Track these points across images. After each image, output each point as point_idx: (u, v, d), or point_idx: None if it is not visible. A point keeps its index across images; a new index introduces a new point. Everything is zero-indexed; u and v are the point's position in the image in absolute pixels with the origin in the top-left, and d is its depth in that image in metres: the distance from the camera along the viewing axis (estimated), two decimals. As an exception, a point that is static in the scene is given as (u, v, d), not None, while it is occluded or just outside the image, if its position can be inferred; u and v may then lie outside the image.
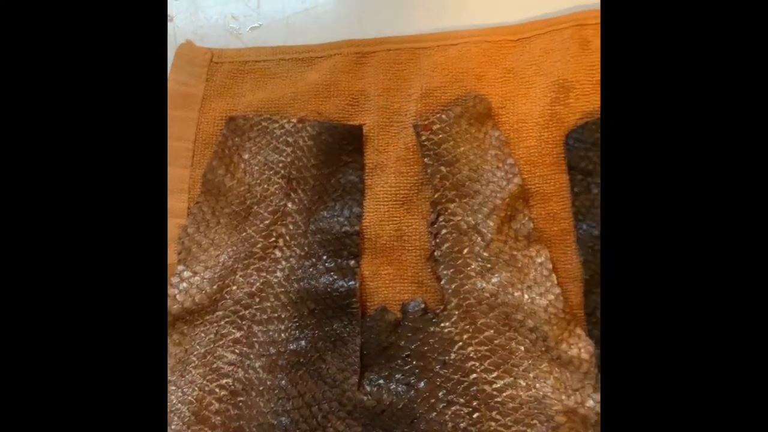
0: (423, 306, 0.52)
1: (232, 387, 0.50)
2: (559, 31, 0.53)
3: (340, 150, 0.55)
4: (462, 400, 0.49)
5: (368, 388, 0.50)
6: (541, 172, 0.52)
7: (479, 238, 0.52)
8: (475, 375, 0.50)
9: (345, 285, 0.52)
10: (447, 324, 0.51)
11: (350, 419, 0.49)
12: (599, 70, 0.52)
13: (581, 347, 0.50)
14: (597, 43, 0.52)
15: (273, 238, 0.54)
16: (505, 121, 0.53)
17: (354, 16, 0.57)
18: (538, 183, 0.53)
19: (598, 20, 0.53)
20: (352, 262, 0.53)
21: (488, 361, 0.50)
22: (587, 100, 0.52)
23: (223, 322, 0.52)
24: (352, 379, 0.50)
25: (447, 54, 0.54)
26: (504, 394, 0.49)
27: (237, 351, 0.51)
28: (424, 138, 0.53)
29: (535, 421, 0.49)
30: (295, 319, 0.52)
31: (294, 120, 0.55)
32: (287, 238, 0.54)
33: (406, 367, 0.50)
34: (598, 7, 0.53)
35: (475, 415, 0.49)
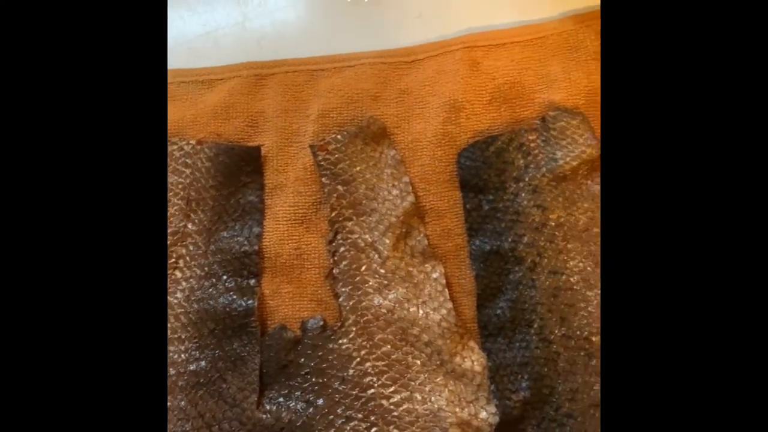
0: (322, 323, 0.52)
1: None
2: (450, 53, 0.54)
3: (239, 171, 0.55)
4: (360, 416, 0.50)
5: (268, 407, 0.50)
6: (435, 190, 0.53)
7: (376, 255, 0.52)
8: (372, 390, 0.50)
9: (244, 304, 0.52)
10: (345, 340, 0.51)
11: (249, 438, 0.50)
12: (488, 91, 0.53)
13: (474, 360, 0.51)
14: (486, 63, 0.54)
15: (173, 259, 0.53)
16: (400, 140, 0.54)
17: (253, 39, 0.57)
18: (433, 200, 0.53)
19: (488, 42, 0.54)
20: (251, 282, 0.53)
21: (385, 375, 0.51)
22: (477, 120, 0.53)
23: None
24: (252, 398, 0.50)
25: (343, 75, 0.55)
26: (401, 408, 0.50)
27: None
28: (320, 158, 0.53)
29: (430, 434, 0.50)
30: (195, 340, 0.52)
31: (192, 142, 0.55)
32: (187, 258, 0.53)
33: (306, 385, 0.51)
34: (488, 29, 0.55)
35: (373, 430, 0.49)
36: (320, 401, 0.50)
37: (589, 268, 0.51)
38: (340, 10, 0.57)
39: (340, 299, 0.52)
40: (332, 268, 0.52)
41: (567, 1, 0.55)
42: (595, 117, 0.53)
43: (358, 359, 0.51)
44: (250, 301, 0.52)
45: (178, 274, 0.53)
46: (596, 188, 0.52)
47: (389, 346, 0.51)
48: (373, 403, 0.50)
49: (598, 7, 0.54)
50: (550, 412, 0.50)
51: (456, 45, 0.54)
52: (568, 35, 0.54)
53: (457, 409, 0.50)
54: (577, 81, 0.53)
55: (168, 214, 0.54)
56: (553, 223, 0.52)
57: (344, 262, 0.52)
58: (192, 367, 0.51)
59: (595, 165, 0.52)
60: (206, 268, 0.53)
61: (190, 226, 0.54)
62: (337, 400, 0.50)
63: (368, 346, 0.51)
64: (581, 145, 0.52)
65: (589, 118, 0.53)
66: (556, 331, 0.51)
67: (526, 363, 0.51)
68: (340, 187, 0.53)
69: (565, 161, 0.52)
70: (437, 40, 0.55)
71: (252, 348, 0.51)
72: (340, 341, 0.51)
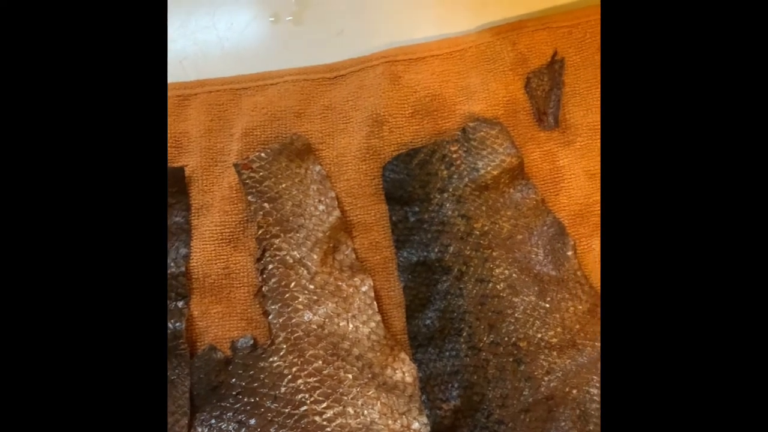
0: (252, 342, 0.51)
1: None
2: (371, 68, 0.54)
3: (164, 192, 0.54)
4: (293, 433, 0.49)
5: (200, 429, 0.49)
6: (361, 204, 0.53)
7: (305, 271, 0.52)
8: (305, 407, 0.50)
9: (172, 327, 0.51)
10: (276, 358, 0.51)
11: (179, 463, 0.48)
12: (410, 104, 0.53)
13: (405, 371, 0.51)
14: (407, 77, 0.54)
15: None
16: (325, 155, 0.54)
17: (175, 60, 0.56)
18: (360, 214, 0.53)
19: (408, 56, 0.54)
20: (180, 304, 0.51)
21: (318, 391, 0.50)
22: (400, 133, 0.53)
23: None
24: (183, 422, 0.49)
25: (266, 93, 0.55)
26: (334, 424, 0.49)
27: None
28: (245, 176, 0.52)
29: (361, 449, 0.49)
30: (123, 366, 0.50)
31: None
32: (114, 283, 0.52)
33: (237, 405, 0.50)
34: (408, 44, 0.55)
35: (306, 447, 0.49)
36: (252, 421, 0.49)
37: (514, 275, 0.51)
38: (261, 29, 0.57)
39: (270, 317, 0.51)
40: (261, 286, 0.52)
41: (484, 13, 0.55)
42: (514, 126, 0.53)
43: (290, 376, 0.50)
44: (178, 324, 0.51)
45: (105, 299, 0.52)
46: (518, 196, 0.52)
47: (320, 362, 0.50)
48: (306, 420, 0.49)
49: (515, 19, 0.55)
50: (482, 420, 0.50)
51: (377, 60, 0.54)
52: (486, 47, 0.54)
53: (390, 422, 0.49)
54: (495, 92, 0.53)
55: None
56: (477, 232, 0.52)
57: (273, 280, 0.52)
58: (121, 394, 0.50)
59: (516, 173, 0.52)
60: (133, 292, 0.52)
61: (115, 250, 0.53)
62: (269, 419, 0.49)
63: (299, 362, 0.50)
64: (501, 154, 0.52)
65: (508, 128, 0.53)
66: (485, 339, 0.51)
67: (456, 372, 0.51)
68: (266, 205, 0.52)
69: (486, 170, 0.52)
70: (359, 56, 0.55)
71: (181, 371, 0.50)
72: (271, 359, 0.50)
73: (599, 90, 0.53)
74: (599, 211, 0.52)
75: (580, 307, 0.51)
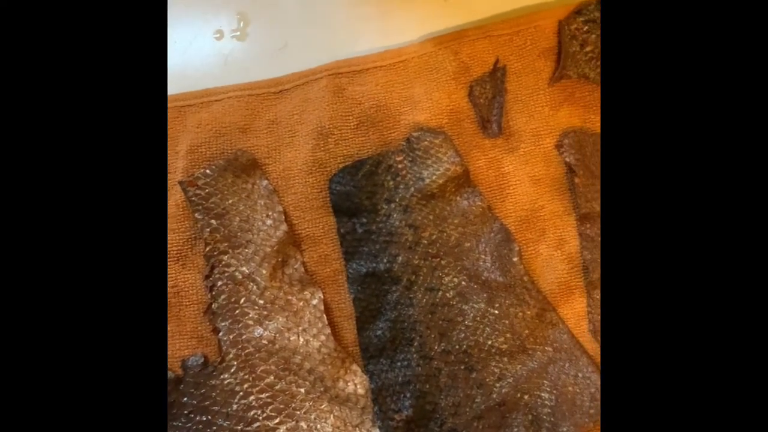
0: (203, 360, 0.50)
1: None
2: (315, 81, 0.54)
3: (110, 212, 0.53)
4: (246, 450, 0.48)
5: (151, 451, 0.49)
6: (309, 217, 0.53)
7: (254, 287, 0.51)
8: (258, 423, 0.49)
9: (121, 348, 0.50)
10: (227, 375, 0.50)
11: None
12: (355, 116, 0.53)
13: (357, 383, 0.51)
14: (351, 89, 0.53)
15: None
16: (272, 170, 0.53)
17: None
18: (308, 227, 0.53)
19: (351, 68, 0.54)
20: (128, 324, 0.51)
21: (270, 407, 0.50)
22: (346, 145, 0.53)
23: None
24: (133, 444, 0.48)
25: (211, 110, 0.54)
26: (287, 439, 0.49)
27: None
28: (191, 193, 0.52)
29: (313, 464, 0.49)
30: (72, 390, 0.50)
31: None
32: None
33: (189, 425, 0.49)
34: (351, 56, 0.55)
35: (259, 464, 0.48)
36: (205, 440, 0.49)
37: (463, 283, 0.51)
38: (205, 46, 0.57)
39: (221, 334, 0.50)
40: (211, 303, 0.51)
41: (427, 24, 0.55)
42: (459, 134, 0.53)
43: (242, 393, 0.50)
44: (126, 345, 0.50)
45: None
46: (465, 204, 0.52)
47: (272, 377, 0.50)
48: (258, 436, 0.49)
49: (457, 29, 0.55)
50: (435, 429, 0.50)
51: (321, 73, 0.54)
52: (428, 57, 0.54)
53: (343, 435, 0.49)
54: (439, 101, 0.53)
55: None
56: (425, 241, 0.52)
57: (222, 296, 0.51)
58: (70, 418, 0.49)
59: (461, 181, 0.52)
60: (81, 314, 0.51)
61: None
62: (222, 436, 0.49)
63: (251, 378, 0.50)
64: (445, 163, 0.52)
65: (453, 136, 0.53)
66: (436, 347, 0.51)
67: (408, 381, 0.50)
68: (213, 221, 0.52)
69: (431, 179, 0.52)
70: (303, 70, 0.55)
71: (131, 392, 0.49)
72: (222, 376, 0.50)
73: (541, 96, 0.53)
74: (545, 216, 0.52)
75: (528, 312, 0.50)
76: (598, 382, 0.48)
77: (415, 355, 0.51)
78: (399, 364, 0.51)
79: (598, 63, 0.53)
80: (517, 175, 0.53)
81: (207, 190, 0.52)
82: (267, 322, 0.51)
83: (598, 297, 0.51)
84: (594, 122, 0.53)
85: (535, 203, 0.52)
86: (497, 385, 0.50)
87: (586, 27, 0.53)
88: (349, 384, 0.51)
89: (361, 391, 0.50)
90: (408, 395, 0.50)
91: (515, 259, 0.51)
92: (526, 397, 0.50)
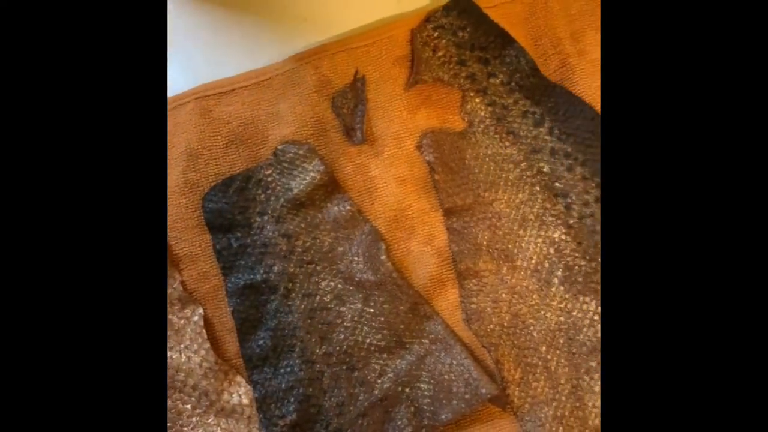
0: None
1: None
2: (183, 106, 0.55)
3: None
4: (134, 472, 0.48)
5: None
6: (186, 236, 0.53)
7: (135, 310, 0.51)
8: (145, 444, 0.49)
9: None
10: (111, 400, 0.50)
11: None
12: (224, 135, 0.54)
13: (242, 394, 0.51)
14: (218, 110, 0.54)
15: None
16: (146, 194, 0.54)
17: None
18: (185, 246, 0.53)
19: (217, 90, 0.55)
20: None
21: (156, 427, 0.50)
22: (217, 164, 0.54)
23: None
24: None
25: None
26: (175, 456, 0.49)
27: None
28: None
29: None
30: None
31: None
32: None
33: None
34: (218, 78, 0.56)
35: (148, 484, 0.48)
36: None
37: (339, 285, 0.52)
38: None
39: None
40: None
41: (289, 44, 0.57)
42: (325, 144, 0.55)
43: (127, 416, 0.49)
44: None
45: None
46: (335, 210, 0.53)
47: (157, 397, 0.50)
48: (146, 457, 0.48)
49: (317, 44, 0.57)
50: (321, 430, 0.50)
51: (188, 97, 0.55)
52: (291, 74, 0.56)
53: (230, 446, 0.49)
54: (303, 114, 0.55)
55: None
56: (300, 249, 0.53)
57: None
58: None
59: (329, 189, 0.54)
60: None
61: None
62: (108, 461, 0.48)
63: (136, 401, 0.50)
64: (311, 172, 0.53)
65: (320, 146, 0.55)
66: (318, 351, 0.52)
67: (292, 387, 0.51)
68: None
69: (299, 189, 0.53)
70: (171, 96, 0.56)
71: None
72: (106, 402, 0.50)
73: (399, 101, 0.55)
74: (413, 215, 0.54)
75: (402, 307, 0.52)
76: (472, 368, 0.49)
77: (297, 361, 0.51)
78: (282, 370, 0.51)
79: (451, 66, 0.55)
80: (383, 177, 0.54)
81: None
82: (149, 344, 0.51)
83: (470, 287, 0.52)
84: (452, 122, 0.55)
85: (402, 203, 0.54)
86: (379, 381, 0.51)
87: (436, 33, 0.56)
88: (233, 396, 0.51)
89: (245, 401, 0.51)
90: (292, 400, 0.50)
91: (383, 257, 0.52)
92: (407, 389, 0.51)
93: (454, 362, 0.50)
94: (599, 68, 0.55)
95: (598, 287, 0.51)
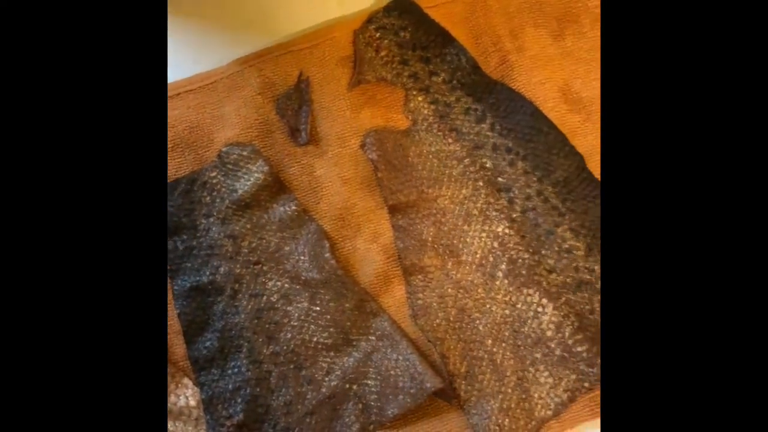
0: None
1: None
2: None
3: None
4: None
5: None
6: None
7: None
8: (91, 449, 0.48)
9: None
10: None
11: None
12: (170, 139, 0.54)
13: (189, 395, 0.51)
14: (164, 115, 0.55)
15: None
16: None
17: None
18: (132, 251, 0.54)
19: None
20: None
21: None
22: (162, 167, 0.55)
23: None
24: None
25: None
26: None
27: None
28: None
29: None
30: None
31: None
32: None
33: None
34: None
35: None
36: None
37: (286, 285, 0.52)
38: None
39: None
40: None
41: (234, 48, 0.57)
42: (271, 146, 0.55)
43: (73, 422, 0.49)
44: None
45: None
46: (281, 210, 0.54)
47: (104, 402, 0.50)
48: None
49: (260, 48, 0.57)
50: (269, 430, 0.50)
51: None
52: (235, 77, 0.56)
53: (177, 448, 0.49)
54: (247, 116, 0.55)
55: None
56: (246, 250, 0.53)
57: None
58: None
59: (274, 189, 0.54)
60: None
61: None
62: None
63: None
64: (255, 173, 0.53)
65: (264, 148, 0.55)
66: (265, 351, 0.52)
67: (239, 387, 0.51)
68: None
69: (244, 190, 0.53)
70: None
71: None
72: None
73: (342, 101, 0.56)
74: (359, 213, 0.54)
75: (348, 304, 0.52)
76: (417, 363, 0.50)
77: (245, 361, 0.51)
78: (230, 371, 0.51)
79: (394, 66, 0.56)
80: (328, 177, 0.55)
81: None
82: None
83: (416, 283, 0.52)
84: (396, 120, 0.55)
85: (347, 202, 0.54)
86: (326, 379, 0.51)
87: (378, 33, 0.56)
88: (180, 398, 0.51)
89: (192, 403, 0.51)
90: (239, 400, 0.50)
91: (327, 255, 0.52)
92: (354, 386, 0.51)
93: (401, 358, 0.50)
94: (538, 64, 0.55)
95: (541, 279, 0.52)
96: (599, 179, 0.53)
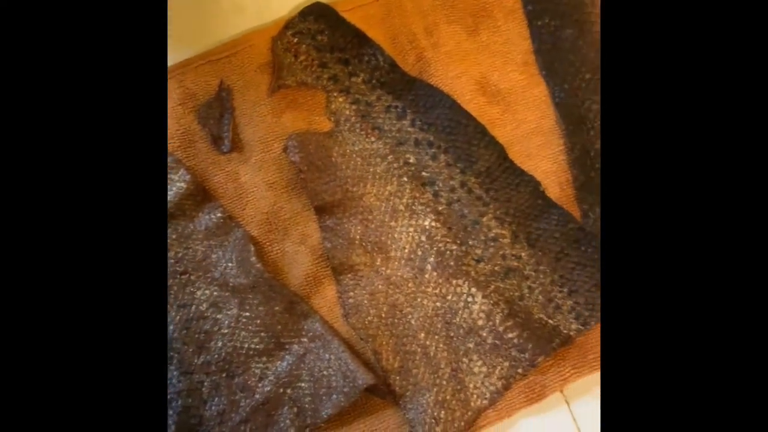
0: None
1: None
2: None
3: None
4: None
5: None
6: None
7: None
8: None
9: None
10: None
11: None
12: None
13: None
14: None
15: None
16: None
17: None
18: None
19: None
20: None
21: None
22: (83, 183, 0.54)
23: None
24: None
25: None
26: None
27: None
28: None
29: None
30: None
31: None
32: None
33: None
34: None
35: None
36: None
37: (215, 293, 0.52)
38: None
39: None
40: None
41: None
42: (194, 155, 0.54)
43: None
44: None
45: None
46: (207, 218, 0.53)
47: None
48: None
49: (179, 60, 0.57)
50: (202, 441, 0.49)
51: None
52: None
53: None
54: (168, 127, 0.55)
55: None
56: (172, 260, 0.52)
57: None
58: None
59: (199, 199, 0.53)
60: None
61: None
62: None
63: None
64: (177, 182, 0.52)
65: (188, 158, 0.54)
66: (196, 361, 0.50)
67: (170, 400, 0.49)
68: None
69: (168, 201, 0.53)
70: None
71: None
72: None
73: (263, 107, 0.55)
74: (285, 216, 0.54)
75: (277, 307, 0.51)
76: (349, 360, 0.49)
77: (175, 373, 0.50)
78: (160, 384, 0.50)
79: (314, 69, 0.56)
80: (253, 182, 0.54)
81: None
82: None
83: (346, 282, 0.52)
84: (319, 123, 0.56)
85: (274, 206, 0.54)
86: (260, 385, 0.50)
87: (296, 39, 0.56)
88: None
89: (122, 419, 0.49)
90: (171, 413, 0.49)
91: (253, 259, 0.52)
92: (288, 390, 0.50)
93: (333, 357, 0.50)
94: (454, 58, 0.56)
95: (470, 269, 0.52)
96: (521, 168, 0.54)
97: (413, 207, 0.53)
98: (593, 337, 0.51)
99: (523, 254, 0.52)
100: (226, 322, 0.51)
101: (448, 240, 0.52)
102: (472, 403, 0.49)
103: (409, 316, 0.51)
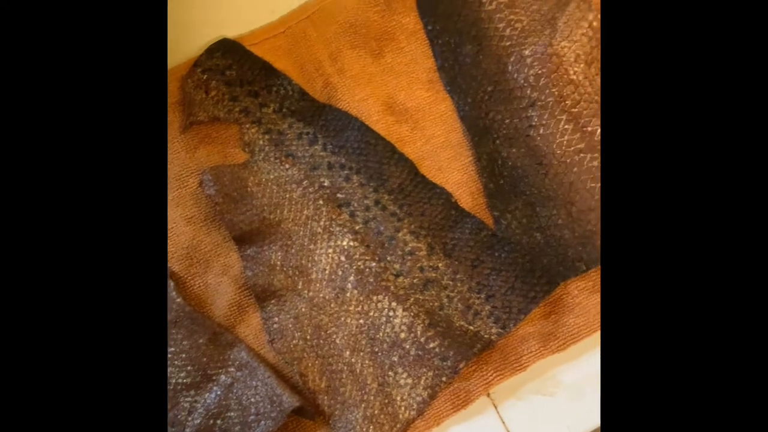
0: None
1: None
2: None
3: None
4: None
5: None
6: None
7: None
8: None
9: None
10: None
11: None
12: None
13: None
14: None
15: None
16: None
17: None
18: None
19: None
20: None
21: None
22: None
23: None
24: None
25: None
26: None
27: None
28: None
29: None
30: None
31: None
32: None
33: None
34: None
35: None
36: None
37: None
38: None
39: None
40: None
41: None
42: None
43: None
44: None
45: None
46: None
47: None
48: None
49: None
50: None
51: None
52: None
53: None
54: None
55: None
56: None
57: None
58: None
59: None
60: None
61: None
62: None
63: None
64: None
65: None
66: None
67: None
68: None
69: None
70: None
71: None
72: None
73: (176, 144, 0.56)
74: (206, 249, 0.54)
75: (201, 340, 0.51)
76: (275, 384, 0.49)
77: (104, 415, 0.50)
78: (89, 428, 0.50)
79: (225, 104, 0.57)
80: (172, 218, 0.55)
81: None
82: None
83: (270, 308, 0.53)
84: (234, 155, 0.56)
85: (193, 240, 0.54)
86: (189, 418, 0.50)
87: (206, 75, 0.58)
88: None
89: None
90: None
91: (173, 294, 0.52)
92: (218, 421, 0.50)
93: (259, 384, 0.50)
94: (360, 82, 0.58)
95: (389, 284, 0.52)
96: (433, 181, 0.55)
97: (331, 229, 0.54)
98: (513, 339, 0.52)
99: (440, 265, 0.53)
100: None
101: (366, 258, 0.53)
102: (401, 416, 0.50)
103: (334, 336, 0.52)
